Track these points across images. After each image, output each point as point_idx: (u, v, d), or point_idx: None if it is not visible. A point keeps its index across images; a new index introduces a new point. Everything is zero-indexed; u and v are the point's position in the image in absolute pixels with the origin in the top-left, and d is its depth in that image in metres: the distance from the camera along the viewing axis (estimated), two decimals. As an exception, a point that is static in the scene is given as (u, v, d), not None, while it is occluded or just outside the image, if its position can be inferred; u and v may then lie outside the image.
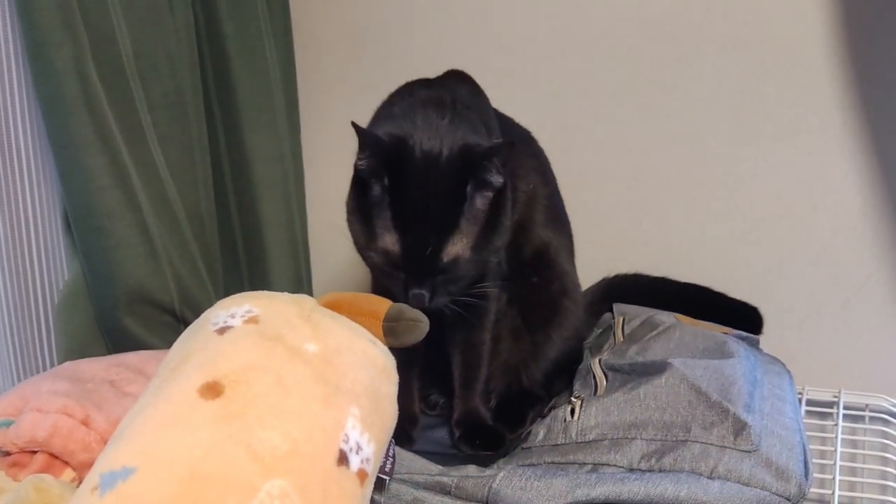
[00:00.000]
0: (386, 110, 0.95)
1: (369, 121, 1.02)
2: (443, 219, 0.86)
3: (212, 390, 0.65)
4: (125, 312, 1.09)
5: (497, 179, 0.87)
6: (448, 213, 0.86)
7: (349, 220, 0.92)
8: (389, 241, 0.86)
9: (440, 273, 0.87)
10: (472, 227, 0.87)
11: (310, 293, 1.43)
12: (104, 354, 1.07)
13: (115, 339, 1.11)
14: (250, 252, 1.37)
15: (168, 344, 0.77)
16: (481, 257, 0.89)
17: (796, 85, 1.25)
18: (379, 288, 0.97)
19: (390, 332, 0.77)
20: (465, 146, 0.87)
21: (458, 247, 0.86)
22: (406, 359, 0.82)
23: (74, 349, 1.08)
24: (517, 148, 0.89)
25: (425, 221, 0.85)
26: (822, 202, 1.26)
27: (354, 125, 0.86)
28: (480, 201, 0.88)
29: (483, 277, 0.94)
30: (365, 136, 0.86)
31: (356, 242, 0.91)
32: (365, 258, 0.91)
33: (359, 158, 0.87)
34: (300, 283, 1.41)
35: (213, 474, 0.61)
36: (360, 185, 0.89)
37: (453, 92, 0.94)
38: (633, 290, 1.20)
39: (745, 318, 1.15)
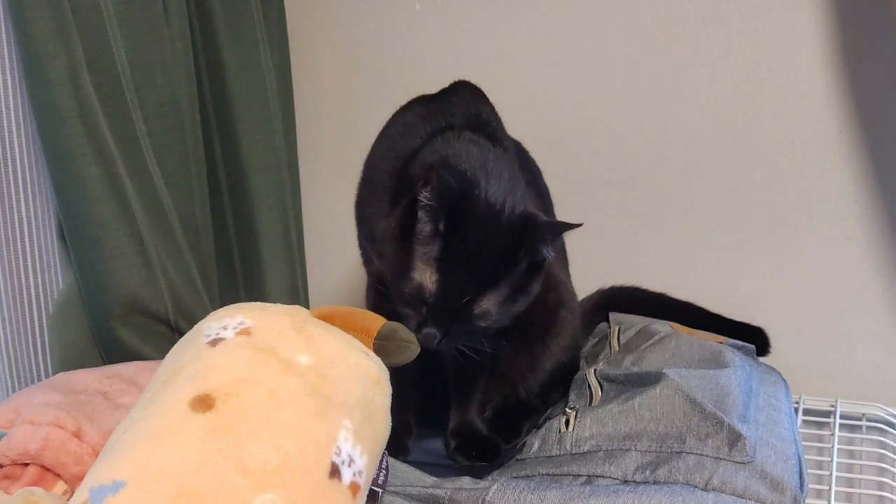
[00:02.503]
0: (423, 138, 0.95)
1: (382, 129, 1.02)
2: (488, 275, 0.87)
3: (203, 403, 0.65)
4: (119, 323, 1.09)
5: (548, 254, 0.89)
6: (494, 271, 0.87)
7: (381, 243, 0.92)
8: (429, 278, 0.87)
9: (465, 321, 0.88)
10: (506, 288, 0.89)
11: (306, 302, 1.43)
12: (99, 365, 1.07)
13: (110, 350, 1.11)
14: (246, 261, 1.37)
15: (163, 354, 0.76)
16: (505, 315, 0.90)
17: (792, 94, 1.25)
18: (377, 300, 0.97)
19: (381, 350, 0.76)
20: (527, 215, 0.89)
21: (490, 302, 0.88)
22: (402, 368, 0.81)
23: (69, 359, 1.08)
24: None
25: (470, 272, 0.86)
26: (818, 211, 1.27)
27: (434, 168, 0.84)
28: (522, 266, 0.89)
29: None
30: (438, 179, 0.85)
31: (386, 268, 0.91)
32: (394, 285, 0.90)
33: (422, 195, 0.86)
34: (296, 292, 1.40)
35: (204, 489, 0.60)
36: (409, 214, 0.88)
37: (487, 121, 0.96)
38: (630, 307, 1.19)
39: (750, 342, 1.12)
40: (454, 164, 0.89)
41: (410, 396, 1.04)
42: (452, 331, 0.88)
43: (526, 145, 1.11)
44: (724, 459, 0.80)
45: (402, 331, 0.78)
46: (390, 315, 0.82)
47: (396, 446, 0.96)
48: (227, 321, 0.74)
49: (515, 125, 1.08)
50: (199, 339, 0.73)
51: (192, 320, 0.79)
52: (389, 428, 0.76)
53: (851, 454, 1.15)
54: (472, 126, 0.95)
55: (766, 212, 1.29)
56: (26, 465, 0.79)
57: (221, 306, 0.79)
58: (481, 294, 0.87)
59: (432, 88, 1.03)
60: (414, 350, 0.78)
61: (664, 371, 0.92)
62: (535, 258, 0.89)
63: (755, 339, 1.13)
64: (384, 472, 0.77)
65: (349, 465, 0.68)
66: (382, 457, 0.77)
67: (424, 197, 0.86)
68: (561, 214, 1.14)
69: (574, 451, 0.87)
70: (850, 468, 1.16)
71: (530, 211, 0.91)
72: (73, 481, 0.79)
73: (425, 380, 1.04)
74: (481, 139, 0.93)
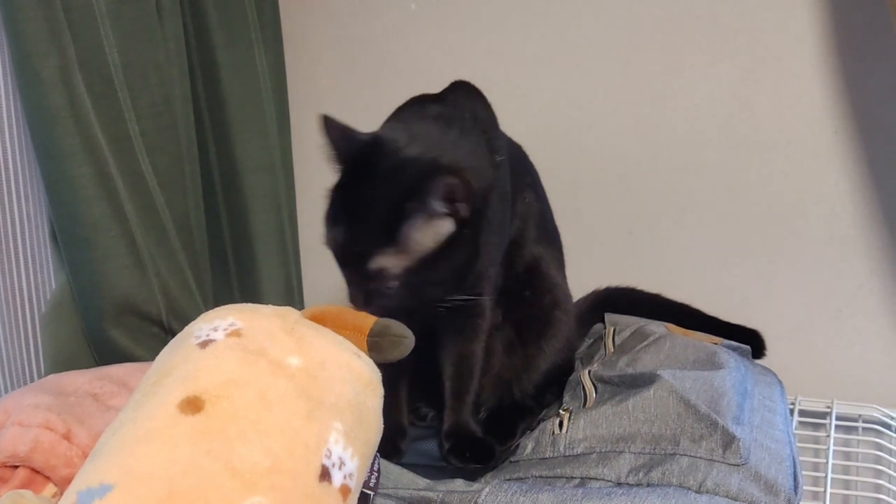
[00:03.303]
0: (393, 119, 0.95)
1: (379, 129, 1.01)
2: (380, 229, 0.83)
3: (192, 405, 0.65)
4: (112, 324, 1.09)
5: (439, 208, 0.83)
6: (388, 225, 0.83)
7: None
8: (328, 235, 0.85)
9: (368, 279, 0.85)
10: (417, 249, 0.84)
11: (300, 303, 1.43)
12: (91, 366, 1.06)
13: (102, 351, 1.10)
14: (240, 262, 1.36)
15: (155, 355, 0.76)
16: (417, 281, 0.85)
17: (787, 94, 1.25)
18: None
19: (375, 347, 0.76)
20: (432, 165, 0.84)
21: (389, 261, 0.84)
22: (395, 369, 0.81)
23: (61, 361, 1.08)
24: (494, 187, 0.88)
25: (362, 225, 0.83)
26: (813, 211, 1.26)
27: (324, 116, 0.83)
28: (430, 228, 0.84)
29: (474, 287, 0.93)
30: (325, 126, 0.84)
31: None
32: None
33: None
34: (291, 293, 1.40)
35: (192, 491, 0.60)
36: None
37: (466, 107, 0.94)
38: (626, 308, 1.19)
39: (745, 344, 1.10)
40: (388, 129, 0.87)
41: (403, 398, 1.03)
42: (372, 292, 0.84)
43: (521, 145, 1.11)
44: (718, 461, 0.80)
45: (396, 326, 0.78)
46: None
47: (389, 448, 0.95)
48: (218, 322, 0.74)
49: (511, 125, 1.08)
50: (190, 340, 0.72)
51: (185, 321, 0.79)
52: (381, 430, 0.75)
53: (847, 456, 1.15)
54: (448, 115, 0.92)
55: (761, 212, 1.28)
56: (15, 467, 0.79)
57: (215, 307, 0.78)
58: (375, 249, 0.82)
59: (428, 88, 1.03)
60: (408, 345, 0.77)
61: (658, 372, 0.91)
62: (430, 213, 0.82)
63: (751, 342, 1.12)
64: (376, 474, 0.76)
65: (340, 468, 0.67)
66: (374, 459, 0.76)
67: (324, 148, 0.84)
68: (556, 215, 1.13)
69: (567, 453, 0.86)
70: (846, 470, 1.15)
71: (440, 163, 0.84)
72: (63, 484, 0.78)
73: (420, 379, 1.04)
74: (446, 119, 0.89)
